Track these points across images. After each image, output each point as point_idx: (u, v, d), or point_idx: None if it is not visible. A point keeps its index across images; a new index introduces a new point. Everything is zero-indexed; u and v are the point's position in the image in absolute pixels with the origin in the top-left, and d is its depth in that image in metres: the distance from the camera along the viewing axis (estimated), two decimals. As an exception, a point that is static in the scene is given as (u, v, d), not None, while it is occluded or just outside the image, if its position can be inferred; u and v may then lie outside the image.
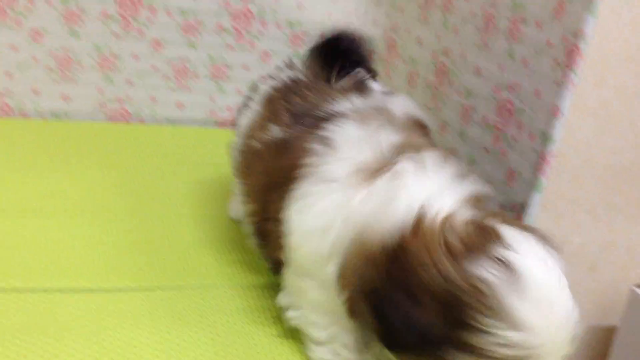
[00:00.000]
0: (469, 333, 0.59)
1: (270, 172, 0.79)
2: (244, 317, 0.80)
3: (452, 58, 1.19)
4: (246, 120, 0.92)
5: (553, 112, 0.95)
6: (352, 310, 0.66)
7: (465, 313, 0.59)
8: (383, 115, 0.79)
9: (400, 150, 0.71)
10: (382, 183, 0.67)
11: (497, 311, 0.58)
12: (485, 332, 0.58)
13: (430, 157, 0.70)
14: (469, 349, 0.59)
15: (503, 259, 0.60)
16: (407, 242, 0.62)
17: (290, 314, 0.74)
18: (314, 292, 0.70)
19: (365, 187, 0.68)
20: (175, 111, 1.54)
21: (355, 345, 0.70)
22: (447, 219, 0.64)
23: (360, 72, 0.89)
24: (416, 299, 0.60)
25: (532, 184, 0.97)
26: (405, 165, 0.68)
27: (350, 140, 0.73)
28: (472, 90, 1.12)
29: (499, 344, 0.58)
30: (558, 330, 0.59)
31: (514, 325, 0.58)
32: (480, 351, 0.59)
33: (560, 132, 0.96)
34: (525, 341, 0.58)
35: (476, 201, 0.67)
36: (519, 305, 0.58)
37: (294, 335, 0.75)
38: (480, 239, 0.62)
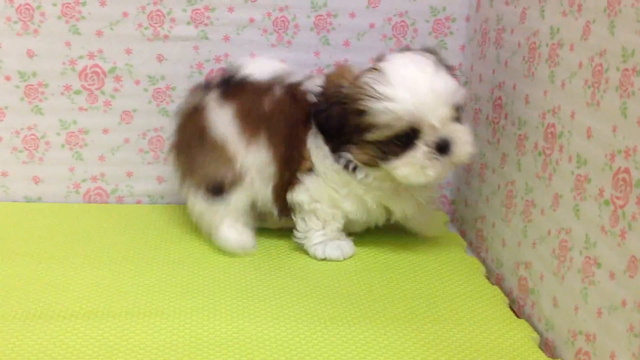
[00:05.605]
0: (364, 116, 1.01)
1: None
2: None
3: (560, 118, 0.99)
4: None
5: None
6: None
7: (359, 103, 1.01)
8: None
9: None
10: None
11: (373, 95, 1.00)
12: (371, 113, 1.00)
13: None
14: (369, 127, 1.02)
15: (376, 67, 1.03)
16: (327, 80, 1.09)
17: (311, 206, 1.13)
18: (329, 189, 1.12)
19: None
20: (155, 186, 1.44)
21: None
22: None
23: None
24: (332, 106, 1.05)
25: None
26: None
27: None
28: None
29: (382, 113, 0.99)
30: (423, 98, 0.98)
31: (387, 99, 0.99)
32: (374, 124, 1.01)
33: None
34: (397, 108, 0.98)
35: None
36: (386, 88, 0.99)
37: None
38: (367, 69, 1.05)
